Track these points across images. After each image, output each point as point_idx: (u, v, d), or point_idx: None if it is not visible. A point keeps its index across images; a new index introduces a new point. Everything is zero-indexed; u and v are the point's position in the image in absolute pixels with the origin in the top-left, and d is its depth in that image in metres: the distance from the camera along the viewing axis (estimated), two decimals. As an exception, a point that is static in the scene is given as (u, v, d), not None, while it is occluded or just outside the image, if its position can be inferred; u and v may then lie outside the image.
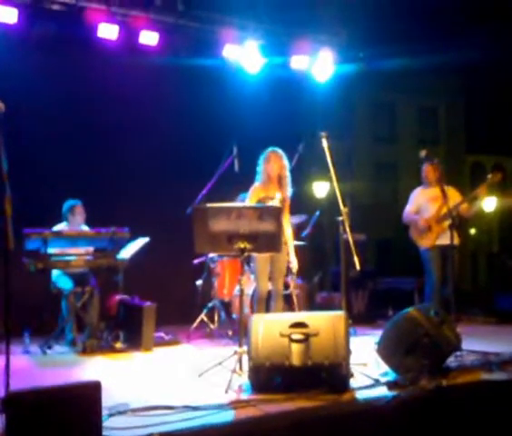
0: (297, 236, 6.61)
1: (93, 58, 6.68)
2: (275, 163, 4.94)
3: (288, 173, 5.02)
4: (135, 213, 6.28)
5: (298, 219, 6.51)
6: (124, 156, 6.87)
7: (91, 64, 6.67)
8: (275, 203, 4.86)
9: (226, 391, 3.45)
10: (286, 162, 5.03)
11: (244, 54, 7.28)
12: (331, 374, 3.33)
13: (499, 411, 3.37)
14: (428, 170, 5.84)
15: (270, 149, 5.02)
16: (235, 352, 3.83)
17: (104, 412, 2.81)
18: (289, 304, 6.05)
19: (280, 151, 5.02)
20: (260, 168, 5.00)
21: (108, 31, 6.55)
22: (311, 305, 6.83)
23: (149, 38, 6.82)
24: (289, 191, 5.02)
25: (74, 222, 5.60)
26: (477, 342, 4.64)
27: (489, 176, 5.56)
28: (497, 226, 21.02)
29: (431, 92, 20.28)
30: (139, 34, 6.77)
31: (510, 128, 20.51)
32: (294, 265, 5.04)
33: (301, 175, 8.12)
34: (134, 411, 3.05)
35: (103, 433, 2.62)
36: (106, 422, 2.78)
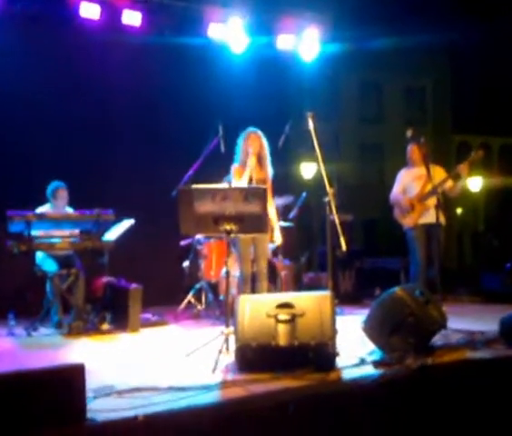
0: (284, 217, 6.62)
1: (76, 38, 6.57)
2: (254, 142, 4.95)
3: (267, 153, 5.05)
4: (121, 194, 6.23)
5: (285, 200, 6.50)
6: (109, 137, 6.80)
7: (73, 44, 6.57)
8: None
9: (213, 372, 3.45)
10: (265, 141, 5.04)
11: (229, 33, 7.18)
12: (318, 354, 3.34)
13: (484, 389, 3.41)
14: (412, 150, 5.83)
15: (248, 129, 5.03)
16: (222, 333, 3.83)
17: (89, 394, 2.79)
18: (276, 284, 6.07)
19: (258, 131, 5.03)
20: (240, 148, 5.01)
21: (90, 10, 6.42)
22: (299, 285, 6.86)
23: (132, 18, 6.70)
24: (269, 171, 5.05)
25: (58, 204, 5.53)
26: (462, 321, 4.69)
27: (472, 153, 5.57)
28: (482, 205, 21.20)
29: (418, 71, 20.27)
30: (121, 13, 6.65)
31: (497, 107, 20.62)
32: (278, 240, 5.10)
33: (288, 156, 8.10)
34: (120, 392, 3.03)
35: (88, 415, 2.60)
36: (91, 405, 2.76)
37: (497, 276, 7.12)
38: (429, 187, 5.35)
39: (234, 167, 5.03)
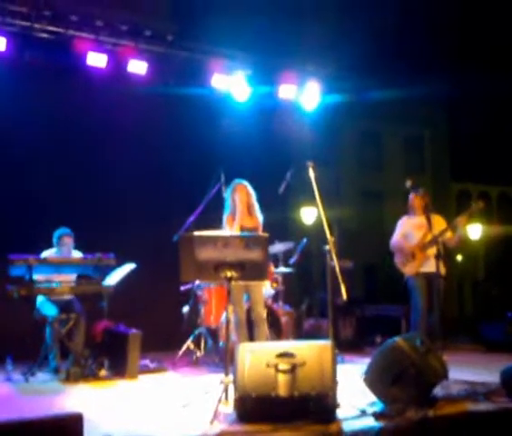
0: (285, 263, 6.63)
1: (82, 86, 6.73)
2: (241, 192, 5.18)
3: (255, 201, 5.27)
4: (122, 238, 6.27)
5: (285, 245, 6.53)
6: (112, 183, 6.88)
7: (80, 92, 6.72)
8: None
9: (212, 422, 3.40)
10: (252, 191, 5.28)
11: (232, 84, 7.36)
12: (318, 405, 3.30)
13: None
14: (413, 199, 5.90)
15: (235, 181, 5.27)
16: (221, 382, 3.80)
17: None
18: (276, 331, 6.03)
19: (244, 181, 5.28)
20: (228, 201, 5.24)
21: (97, 60, 6.60)
22: (299, 332, 6.81)
23: (138, 67, 6.88)
24: (259, 217, 5.24)
25: (63, 250, 5.56)
26: (463, 371, 4.65)
27: (472, 204, 5.63)
28: (482, 254, 21.20)
29: (416, 121, 20.60)
30: (128, 63, 6.83)
31: (495, 156, 20.86)
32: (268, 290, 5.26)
33: (289, 203, 8.18)
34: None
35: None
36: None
37: (497, 325, 7.08)
38: (430, 237, 5.39)
39: (226, 217, 5.24)
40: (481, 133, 20.67)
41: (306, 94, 7.87)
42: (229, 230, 5.11)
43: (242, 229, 5.07)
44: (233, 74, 7.31)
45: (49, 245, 5.59)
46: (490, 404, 3.70)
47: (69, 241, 5.59)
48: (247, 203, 5.20)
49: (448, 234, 5.66)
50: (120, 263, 5.37)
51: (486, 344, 6.85)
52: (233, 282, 4.71)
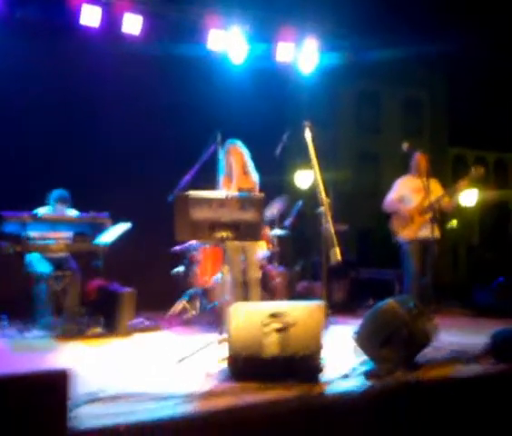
0: (279, 224, 6.64)
1: (76, 45, 6.59)
2: (235, 154, 5.17)
3: (249, 160, 5.24)
4: (117, 197, 6.22)
5: (280, 205, 6.50)
6: (107, 142, 6.81)
7: (73, 51, 6.60)
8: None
9: (204, 379, 3.45)
10: (245, 151, 5.24)
11: (229, 41, 7.22)
12: (307, 365, 3.35)
13: (473, 404, 3.42)
14: (420, 159, 5.74)
15: (227, 143, 5.24)
16: (214, 341, 3.84)
17: (73, 402, 2.75)
18: (270, 292, 6.08)
19: (238, 142, 5.24)
20: (223, 162, 5.22)
21: (91, 16, 6.43)
22: (292, 293, 6.85)
23: (132, 23, 6.70)
24: (255, 177, 5.22)
25: (58, 208, 5.52)
26: (453, 334, 4.71)
27: (472, 170, 5.58)
28: (477, 219, 21.29)
29: (416, 83, 20.36)
30: (122, 19, 6.66)
31: (493, 122, 20.74)
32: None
33: (285, 165, 8.13)
34: (104, 399, 2.98)
35: (70, 423, 2.55)
36: (75, 411, 2.71)
37: (489, 290, 7.15)
38: (427, 202, 5.36)
39: (222, 179, 5.24)
40: (480, 99, 20.50)
41: (304, 53, 7.72)
42: (226, 191, 5.07)
43: (240, 190, 5.05)
44: (230, 31, 7.15)
45: (43, 203, 5.56)
46: (477, 367, 3.76)
47: (66, 203, 5.55)
48: (242, 164, 5.19)
49: (445, 200, 5.64)
50: (114, 223, 5.37)
51: (477, 309, 6.92)
52: (230, 243, 4.75)
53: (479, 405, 3.46)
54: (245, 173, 5.20)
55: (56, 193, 5.54)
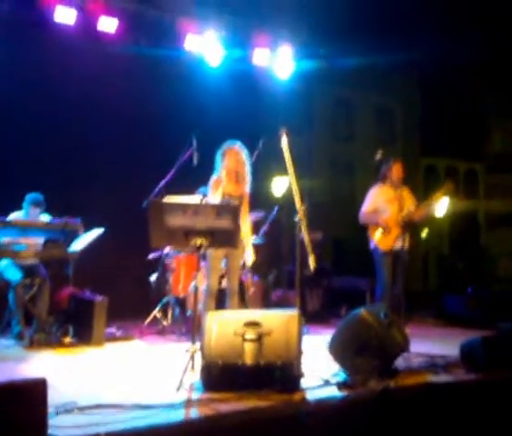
0: (255, 233, 6.62)
1: (50, 44, 6.46)
2: (230, 158, 4.90)
3: (246, 169, 4.97)
4: (90, 203, 6.14)
5: (255, 215, 6.50)
6: (81, 145, 6.70)
7: (47, 50, 6.46)
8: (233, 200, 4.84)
9: (177, 390, 3.42)
10: (244, 156, 4.97)
11: (205, 45, 7.22)
12: (283, 374, 3.35)
13: (444, 412, 3.47)
14: (396, 168, 5.75)
15: (226, 144, 4.97)
16: (188, 350, 3.80)
17: (51, 410, 2.73)
18: (244, 302, 6.05)
19: (237, 145, 4.96)
20: (218, 164, 4.96)
21: (65, 15, 6.34)
22: (267, 303, 6.84)
23: (108, 24, 6.64)
24: (247, 187, 4.99)
25: (31, 213, 5.40)
26: (424, 344, 4.77)
27: (444, 186, 5.65)
28: (447, 229, 21.67)
29: (389, 92, 20.64)
30: (97, 19, 6.59)
31: (462, 131, 21.18)
32: (248, 260, 5.01)
33: (261, 172, 8.12)
34: (82, 409, 2.98)
35: (49, 432, 2.54)
36: (52, 421, 2.70)
37: (460, 299, 7.25)
38: (402, 214, 5.42)
39: (213, 179, 4.95)
40: (451, 109, 20.92)
41: (279, 60, 7.78)
42: (213, 193, 4.85)
43: (226, 197, 4.81)
44: (206, 35, 7.15)
45: (16, 207, 5.43)
46: (449, 376, 3.82)
47: (40, 207, 5.43)
48: (235, 170, 4.89)
49: (417, 213, 5.70)
50: (87, 228, 5.28)
51: (448, 318, 7.02)
52: (213, 251, 4.66)
53: (451, 413, 3.50)
54: (237, 180, 4.91)
55: (30, 196, 5.42)
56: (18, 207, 5.42)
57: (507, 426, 3.58)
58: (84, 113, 6.70)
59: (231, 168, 4.88)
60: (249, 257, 5.00)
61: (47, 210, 5.49)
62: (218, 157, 4.97)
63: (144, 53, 6.92)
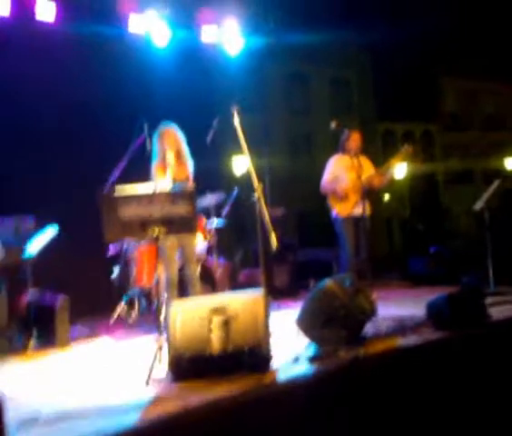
0: (216, 215, 6.53)
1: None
2: (169, 138, 4.80)
3: (185, 147, 4.89)
4: (41, 198, 5.89)
5: (216, 197, 6.40)
6: (26, 137, 6.40)
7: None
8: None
9: (147, 384, 3.33)
10: (181, 135, 4.88)
11: (150, 25, 7.00)
12: (252, 357, 3.30)
13: (415, 376, 3.50)
14: (352, 137, 5.72)
15: (162, 124, 4.86)
16: (154, 343, 3.70)
17: (13, 425, 2.60)
18: (211, 285, 5.98)
19: (172, 125, 4.86)
20: (156, 146, 4.84)
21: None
22: (234, 284, 6.79)
23: (46, 10, 6.34)
24: (190, 166, 4.91)
25: None
26: (391, 307, 4.81)
27: (402, 149, 5.67)
28: (408, 192, 22.06)
29: (342, 63, 20.73)
30: (34, 8, 6.28)
31: (416, 94, 21.51)
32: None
33: (218, 151, 8.00)
34: (46, 421, 2.84)
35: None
36: (14, 436, 2.58)
37: (423, 259, 7.38)
38: (362, 179, 5.42)
39: (155, 165, 4.83)
40: (405, 74, 21.18)
41: (226, 35, 7.63)
42: (159, 179, 4.71)
43: (174, 182, 4.66)
44: (148, 13, 6.92)
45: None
46: (418, 337, 3.85)
47: None
48: (176, 151, 4.79)
49: (378, 178, 5.73)
50: (40, 227, 5.07)
51: (413, 279, 7.13)
52: (166, 240, 4.55)
53: (422, 374, 3.53)
54: (180, 162, 4.82)
55: None
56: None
57: (476, 382, 3.64)
58: (26, 102, 6.38)
59: (173, 148, 4.77)
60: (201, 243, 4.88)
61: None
62: (155, 141, 4.85)
63: (87, 36, 6.61)
